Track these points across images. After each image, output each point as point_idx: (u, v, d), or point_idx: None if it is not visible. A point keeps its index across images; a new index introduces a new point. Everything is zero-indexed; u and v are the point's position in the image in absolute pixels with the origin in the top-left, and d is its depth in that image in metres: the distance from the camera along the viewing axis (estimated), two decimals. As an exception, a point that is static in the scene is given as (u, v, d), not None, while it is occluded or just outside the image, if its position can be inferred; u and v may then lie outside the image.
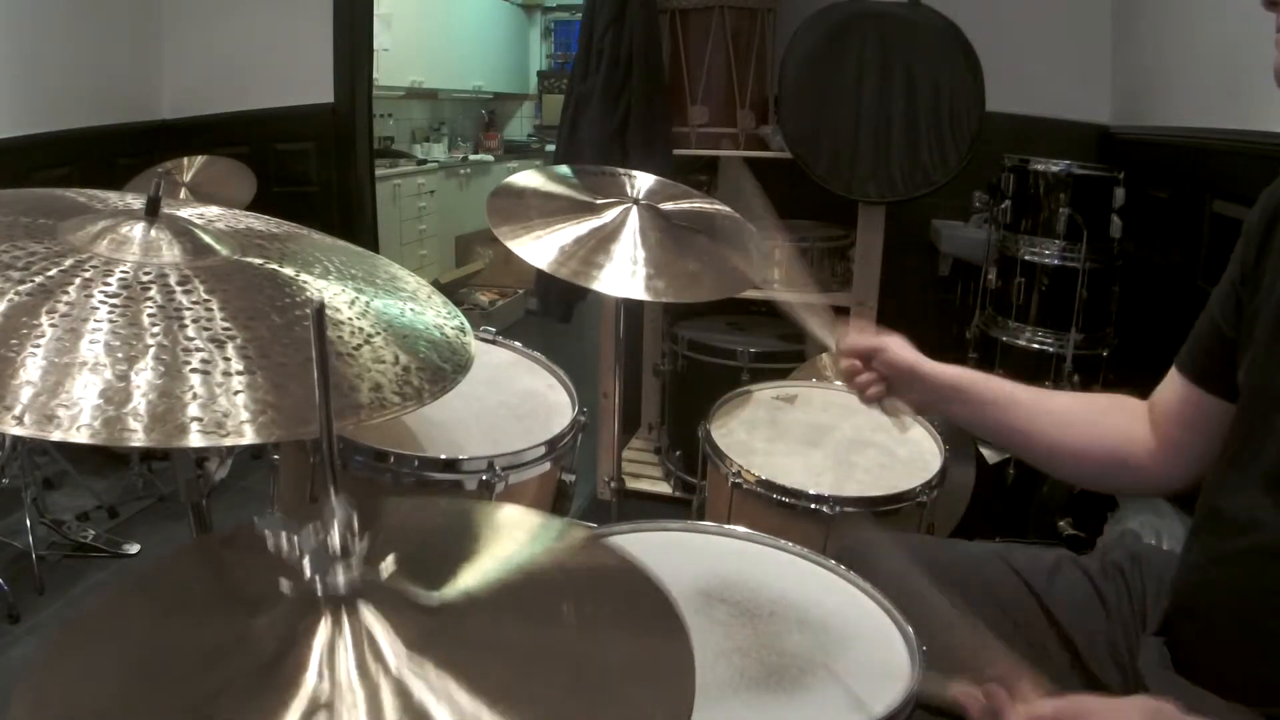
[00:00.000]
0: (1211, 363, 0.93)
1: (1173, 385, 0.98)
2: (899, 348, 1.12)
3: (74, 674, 0.56)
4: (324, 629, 0.56)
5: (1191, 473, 0.96)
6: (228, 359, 0.66)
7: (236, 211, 0.95)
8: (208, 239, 0.79)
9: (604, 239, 1.42)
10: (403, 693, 0.53)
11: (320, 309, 0.54)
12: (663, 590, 0.67)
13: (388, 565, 0.64)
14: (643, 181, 1.62)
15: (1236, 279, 0.90)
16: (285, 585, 0.58)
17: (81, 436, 0.57)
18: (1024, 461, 1.15)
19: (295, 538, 0.57)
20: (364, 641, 0.56)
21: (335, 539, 0.57)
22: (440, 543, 0.73)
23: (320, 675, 0.53)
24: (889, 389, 1.14)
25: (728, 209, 1.65)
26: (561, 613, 0.63)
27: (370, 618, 0.57)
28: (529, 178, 1.59)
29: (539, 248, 1.37)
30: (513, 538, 0.74)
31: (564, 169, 1.68)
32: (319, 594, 0.57)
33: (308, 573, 0.57)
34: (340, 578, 0.57)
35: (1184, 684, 0.82)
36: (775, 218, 1.25)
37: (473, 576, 0.66)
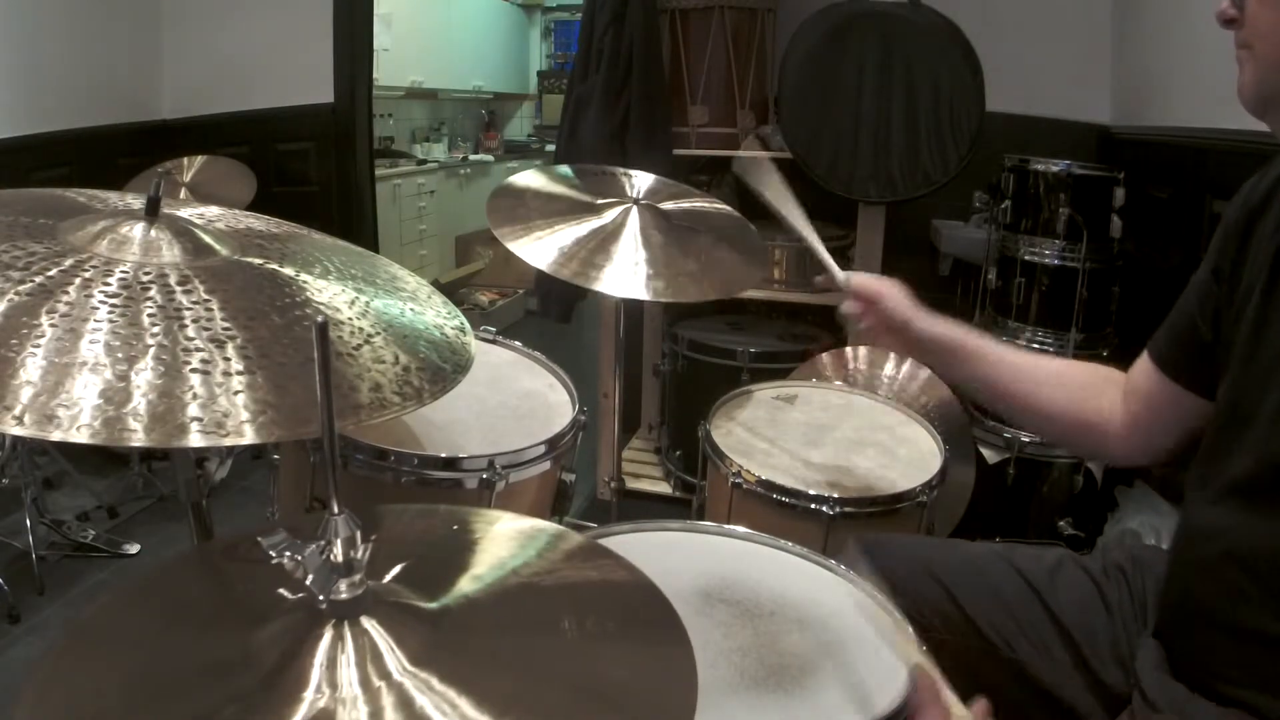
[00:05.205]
0: (1184, 358, 0.94)
1: (1144, 369, 1.00)
2: (897, 299, 1.17)
3: (76, 684, 0.56)
4: (326, 641, 0.56)
5: (1152, 450, 1.00)
6: (228, 359, 0.66)
7: (236, 211, 0.95)
8: (208, 239, 0.79)
9: (605, 239, 1.41)
10: (406, 704, 0.53)
11: (324, 327, 0.54)
12: (664, 600, 0.67)
13: (390, 577, 0.64)
14: (641, 181, 1.62)
15: (1210, 274, 0.91)
16: (288, 597, 0.58)
17: (81, 436, 0.57)
18: (998, 412, 1.20)
19: (298, 554, 0.57)
20: (366, 654, 0.55)
21: (338, 553, 0.57)
22: (442, 552, 0.73)
23: (322, 689, 0.53)
24: (884, 331, 1.20)
25: (728, 208, 1.65)
26: (564, 623, 0.63)
27: (373, 630, 0.57)
28: (529, 178, 1.58)
29: (539, 249, 1.37)
30: (514, 546, 0.74)
31: (564, 169, 1.68)
32: (321, 606, 0.57)
33: (310, 585, 0.57)
34: (343, 592, 0.57)
35: (1177, 686, 0.82)
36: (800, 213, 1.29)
37: (475, 587, 0.66)
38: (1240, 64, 0.80)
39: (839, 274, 1.23)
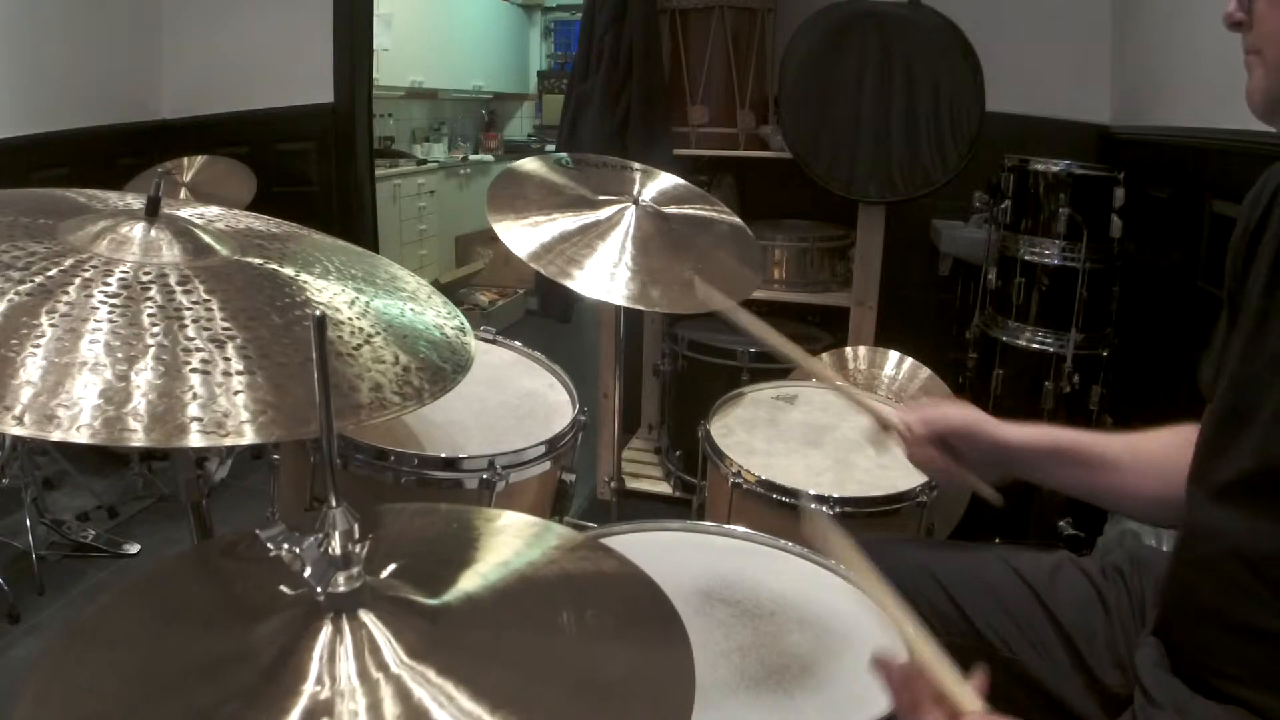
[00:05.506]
0: None
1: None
2: (975, 426, 1.03)
3: (75, 682, 0.56)
4: (325, 635, 0.56)
5: None
6: (228, 359, 0.66)
7: (236, 211, 0.95)
8: (208, 239, 0.79)
9: (593, 238, 1.41)
10: (403, 697, 0.53)
11: (321, 320, 0.54)
12: (663, 596, 0.67)
13: (388, 573, 0.64)
14: (653, 181, 1.60)
15: (1229, 301, 0.90)
16: (287, 592, 0.58)
17: (81, 436, 0.57)
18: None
19: (297, 546, 0.57)
20: (365, 648, 0.56)
21: (336, 547, 0.57)
22: (441, 549, 0.73)
23: (321, 681, 0.53)
24: (960, 460, 1.05)
25: (731, 216, 1.64)
26: (562, 619, 0.63)
27: (371, 624, 0.57)
28: (535, 165, 1.57)
29: (526, 238, 1.36)
30: (513, 544, 0.74)
31: (564, 157, 1.66)
32: (320, 601, 0.57)
33: (309, 580, 0.57)
34: (341, 585, 0.57)
35: (1178, 685, 0.82)
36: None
37: (473, 583, 0.66)
38: (1249, 69, 0.78)
39: (894, 417, 1.08)
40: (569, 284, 1.32)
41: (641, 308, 1.35)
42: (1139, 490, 0.98)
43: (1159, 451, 0.99)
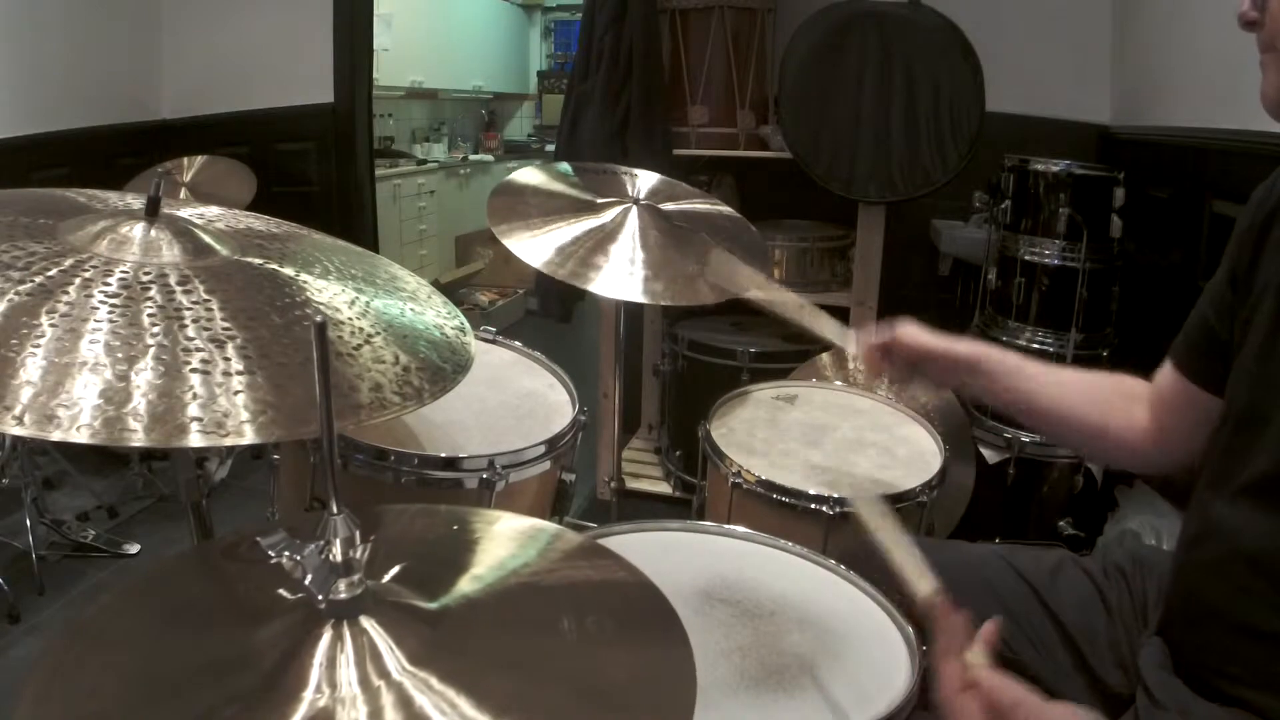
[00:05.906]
0: (1203, 360, 0.93)
1: (1166, 375, 0.99)
2: (912, 335, 1.15)
3: (75, 682, 0.56)
4: (325, 641, 0.56)
5: (1178, 457, 0.99)
6: (228, 359, 0.66)
7: (236, 211, 0.95)
8: (208, 239, 0.79)
9: (603, 239, 1.41)
10: (405, 704, 0.53)
11: (323, 326, 0.54)
12: (664, 599, 0.67)
13: (389, 577, 0.64)
14: (644, 180, 1.62)
15: (1226, 280, 0.90)
16: (287, 597, 0.58)
17: (81, 436, 0.57)
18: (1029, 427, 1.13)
19: (298, 554, 0.57)
20: (365, 653, 0.56)
21: (337, 554, 0.57)
22: (442, 552, 0.73)
23: (322, 687, 0.53)
24: (910, 372, 1.18)
25: (728, 209, 1.65)
26: (563, 623, 0.63)
27: (372, 629, 0.57)
28: (530, 175, 1.58)
29: (536, 247, 1.37)
30: (513, 547, 0.74)
31: (565, 167, 1.68)
32: (321, 606, 0.57)
33: (309, 585, 0.57)
34: (343, 592, 0.57)
35: (1180, 686, 0.82)
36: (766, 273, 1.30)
37: (474, 587, 0.66)
38: (1263, 68, 0.77)
39: (847, 344, 1.25)
40: (592, 288, 1.33)
41: (662, 302, 1.38)
42: (1035, 403, 1.07)
43: (1071, 378, 1.08)
